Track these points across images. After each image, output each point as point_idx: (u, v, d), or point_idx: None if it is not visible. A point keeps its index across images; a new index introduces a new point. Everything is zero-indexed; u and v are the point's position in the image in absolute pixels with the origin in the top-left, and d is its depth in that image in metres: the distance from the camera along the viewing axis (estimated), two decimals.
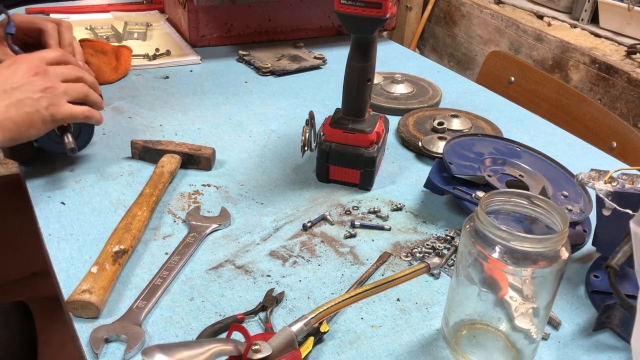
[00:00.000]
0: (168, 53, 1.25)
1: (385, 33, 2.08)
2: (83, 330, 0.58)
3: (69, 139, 0.82)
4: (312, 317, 0.54)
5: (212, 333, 0.59)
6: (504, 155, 0.85)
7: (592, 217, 0.73)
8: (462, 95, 1.20)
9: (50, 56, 0.79)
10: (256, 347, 0.50)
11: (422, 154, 0.95)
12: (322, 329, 0.59)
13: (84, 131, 0.85)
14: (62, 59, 0.81)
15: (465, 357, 0.58)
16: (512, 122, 1.09)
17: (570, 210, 0.76)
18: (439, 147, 0.92)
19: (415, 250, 0.73)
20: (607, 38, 2.08)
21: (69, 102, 0.78)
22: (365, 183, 0.85)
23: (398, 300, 0.66)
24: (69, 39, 0.90)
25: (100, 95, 0.84)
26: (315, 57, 1.29)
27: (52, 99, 0.75)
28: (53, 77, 0.77)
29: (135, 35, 1.34)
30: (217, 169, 0.88)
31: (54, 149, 0.84)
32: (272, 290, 0.65)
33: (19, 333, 0.82)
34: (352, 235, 0.75)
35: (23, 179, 0.82)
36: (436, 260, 0.61)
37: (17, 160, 0.83)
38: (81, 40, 1.15)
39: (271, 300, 0.63)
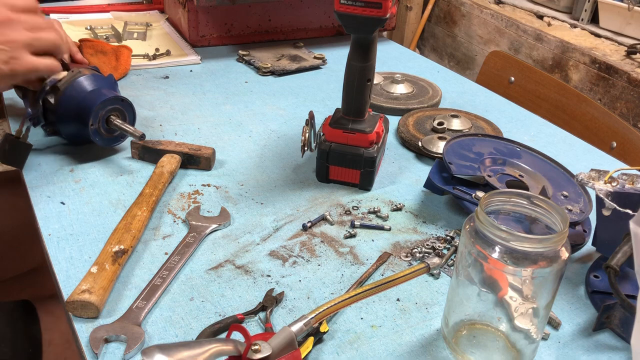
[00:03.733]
0: (168, 53, 1.25)
1: (385, 33, 2.08)
2: (83, 330, 0.58)
3: (129, 128, 0.85)
4: (312, 317, 0.54)
5: (211, 333, 0.59)
6: (504, 155, 0.85)
7: (592, 217, 0.73)
8: (462, 95, 1.20)
9: (20, 4, 0.74)
10: (256, 347, 0.50)
11: (422, 154, 0.95)
12: (322, 329, 0.59)
13: (128, 114, 0.88)
14: (33, 7, 0.75)
15: (465, 357, 0.58)
16: (512, 122, 1.09)
17: (570, 211, 0.76)
18: (439, 147, 0.92)
19: (415, 250, 0.73)
20: (607, 38, 2.08)
21: (35, 53, 0.75)
22: (365, 183, 0.85)
23: (398, 300, 0.66)
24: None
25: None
26: (315, 57, 1.29)
27: (12, 52, 0.71)
28: (17, 26, 0.72)
29: (135, 35, 1.34)
30: (217, 169, 0.88)
31: (106, 143, 0.87)
32: (272, 290, 0.65)
33: (24, 332, 0.82)
34: (352, 235, 0.75)
35: (23, 178, 0.82)
36: (436, 260, 0.61)
37: (13, 164, 0.83)
38: (81, 40, 1.15)
39: (271, 300, 0.63)
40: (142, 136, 0.84)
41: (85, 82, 0.84)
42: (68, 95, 0.83)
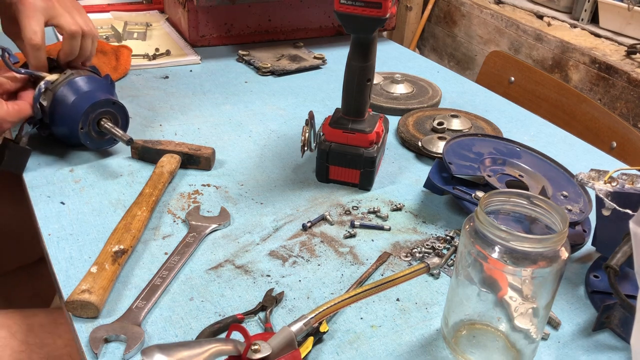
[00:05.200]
0: (168, 53, 1.25)
1: (385, 33, 2.08)
2: (82, 330, 0.58)
3: (119, 132, 0.84)
4: (312, 317, 0.54)
5: (211, 333, 0.59)
6: (503, 155, 0.85)
7: (592, 217, 0.73)
8: (462, 95, 1.20)
9: None
10: (256, 347, 0.50)
11: (422, 154, 0.95)
12: (322, 329, 0.59)
13: (120, 117, 0.87)
14: None
15: (465, 357, 0.58)
16: (512, 122, 1.09)
17: (570, 210, 0.76)
18: (439, 147, 0.92)
19: (415, 250, 0.73)
20: (607, 38, 2.08)
21: None
22: (365, 183, 0.85)
23: (398, 300, 0.66)
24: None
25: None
26: (315, 57, 1.29)
27: None
28: None
29: (135, 35, 1.34)
30: (217, 169, 0.88)
31: (98, 146, 0.87)
32: (271, 290, 0.65)
33: None
34: (352, 235, 0.75)
35: (22, 178, 0.82)
36: (436, 260, 0.61)
37: (13, 170, 0.83)
38: None
39: (271, 300, 0.63)
40: (130, 141, 0.84)
41: (77, 85, 0.84)
42: (59, 98, 0.83)
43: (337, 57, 1.31)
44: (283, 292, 0.65)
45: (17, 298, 1.19)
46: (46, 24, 0.83)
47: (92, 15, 1.42)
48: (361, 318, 0.63)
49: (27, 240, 1.08)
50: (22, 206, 0.79)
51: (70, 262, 0.67)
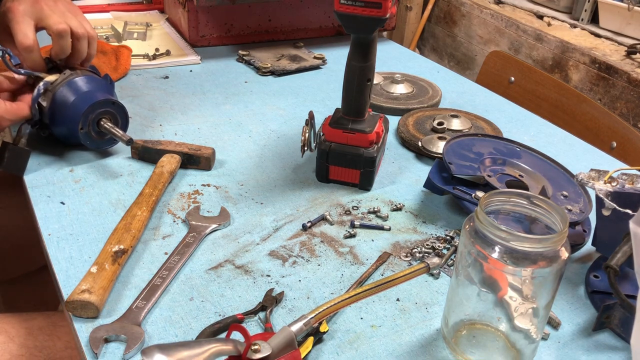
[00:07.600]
0: (168, 53, 1.25)
1: (385, 33, 2.08)
2: (82, 330, 0.58)
3: (119, 132, 0.84)
4: (312, 317, 0.54)
5: (211, 333, 0.59)
6: (503, 155, 0.85)
7: (592, 217, 0.73)
8: (462, 95, 1.20)
9: None
10: (256, 347, 0.50)
11: (422, 154, 0.95)
12: (322, 329, 0.59)
13: (120, 117, 0.87)
14: None
15: (464, 357, 0.58)
16: (512, 122, 1.09)
17: (570, 210, 0.76)
18: (439, 147, 0.92)
19: (415, 250, 0.73)
20: (607, 38, 2.08)
21: None
22: (365, 183, 0.85)
23: (398, 300, 0.66)
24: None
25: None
26: (315, 57, 1.29)
27: None
28: None
29: (135, 35, 1.34)
30: (217, 169, 0.88)
31: (98, 146, 0.87)
32: (271, 290, 0.65)
33: None
34: (352, 235, 0.75)
35: (23, 178, 0.82)
36: (436, 260, 0.61)
37: (13, 171, 0.83)
38: None
39: (271, 300, 0.63)
40: (130, 141, 0.84)
41: (77, 85, 0.84)
42: (59, 98, 0.83)
43: (337, 57, 1.31)
44: (283, 292, 0.65)
45: (22, 305, 1.18)
46: (37, 27, 0.83)
47: (92, 15, 1.43)
48: (361, 318, 0.63)
49: (31, 247, 1.08)
50: (26, 213, 0.79)
51: (70, 262, 0.67)
